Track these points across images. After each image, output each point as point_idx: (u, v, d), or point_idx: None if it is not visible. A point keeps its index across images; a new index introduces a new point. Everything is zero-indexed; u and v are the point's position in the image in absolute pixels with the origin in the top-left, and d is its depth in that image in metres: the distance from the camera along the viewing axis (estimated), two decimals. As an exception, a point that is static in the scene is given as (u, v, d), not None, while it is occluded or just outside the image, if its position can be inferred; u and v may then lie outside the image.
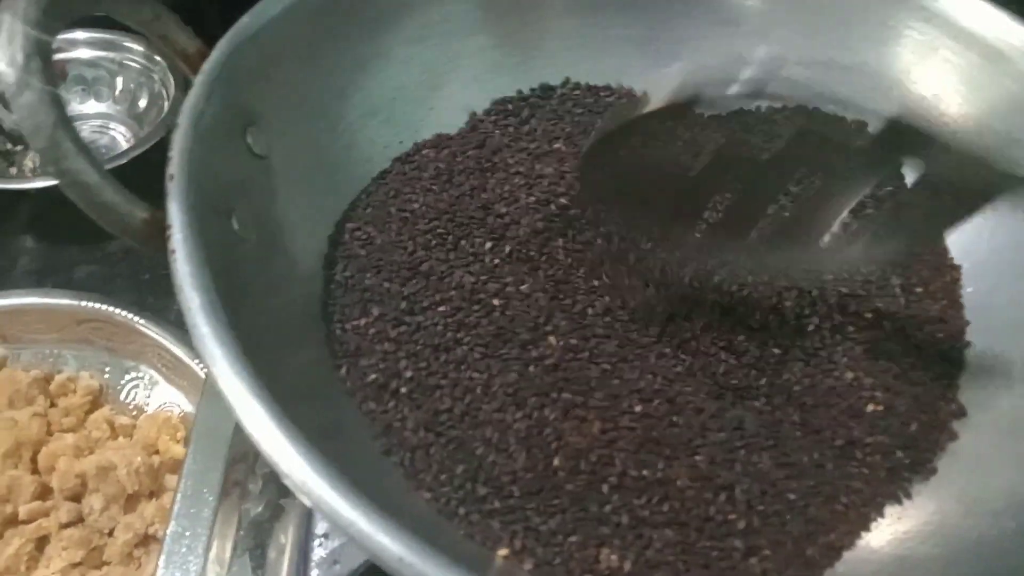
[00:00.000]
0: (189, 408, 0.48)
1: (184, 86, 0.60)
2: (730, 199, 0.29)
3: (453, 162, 0.34)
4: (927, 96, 0.33)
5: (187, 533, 0.29)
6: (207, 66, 0.26)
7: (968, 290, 0.32)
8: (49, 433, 0.47)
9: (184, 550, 0.29)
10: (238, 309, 0.22)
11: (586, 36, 0.37)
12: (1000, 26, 0.31)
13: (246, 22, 0.28)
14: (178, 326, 0.49)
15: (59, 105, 0.21)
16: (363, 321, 0.28)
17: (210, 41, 0.28)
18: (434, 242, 0.30)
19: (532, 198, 0.32)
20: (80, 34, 0.63)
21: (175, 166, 0.23)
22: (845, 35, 0.35)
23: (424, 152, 0.34)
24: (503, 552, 0.23)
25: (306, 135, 0.31)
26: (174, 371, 0.49)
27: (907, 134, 0.26)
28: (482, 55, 0.36)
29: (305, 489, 0.18)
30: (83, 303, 0.49)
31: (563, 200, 0.32)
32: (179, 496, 0.30)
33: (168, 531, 0.29)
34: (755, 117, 0.36)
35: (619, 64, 0.37)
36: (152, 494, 0.46)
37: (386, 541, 0.18)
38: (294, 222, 0.29)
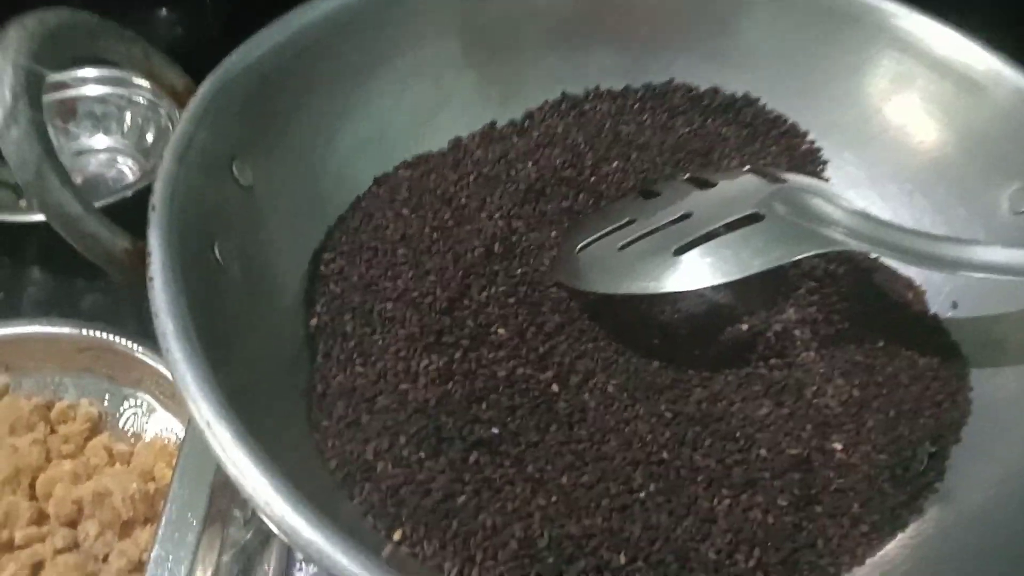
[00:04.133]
0: (186, 435, 0.49)
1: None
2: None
3: (427, 181, 0.34)
4: (906, 124, 0.34)
5: (170, 557, 0.30)
6: (193, 103, 0.27)
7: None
8: (48, 460, 0.48)
9: (166, 575, 0.29)
10: (217, 338, 0.23)
11: (570, 70, 0.38)
12: (974, 56, 0.32)
13: (233, 60, 0.29)
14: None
15: (46, 140, 0.22)
16: (346, 374, 0.28)
17: (201, 78, 0.29)
18: (402, 271, 0.31)
19: (495, 219, 0.33)
20: (90, 71, 0.65)
21: (157, 197, 0.24)
22: (825, 67, 0.35)
23: (400, 172, 0.35)
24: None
25: (293, 168, 0.32)
26: (171, 398, 0.49)
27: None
28: (470, 90, 0.37)
29: (266, 510, 0.19)
30: (84, 332, 0.50)
31: (517, 223, 0.33)
32: (164, 521, 0.30)
33: (151, 555, 0.30)
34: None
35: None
36: (147, 521, 0.46)
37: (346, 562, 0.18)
38: (277, 253, 0.30)
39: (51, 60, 0.23)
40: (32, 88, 0.22)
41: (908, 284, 0.33)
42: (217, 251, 0.26)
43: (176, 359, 0.21)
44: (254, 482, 0.19)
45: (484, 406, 0.27)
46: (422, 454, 0.25)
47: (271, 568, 0.30)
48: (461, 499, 0.25)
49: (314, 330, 0.29)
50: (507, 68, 0.37)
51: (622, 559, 0.25)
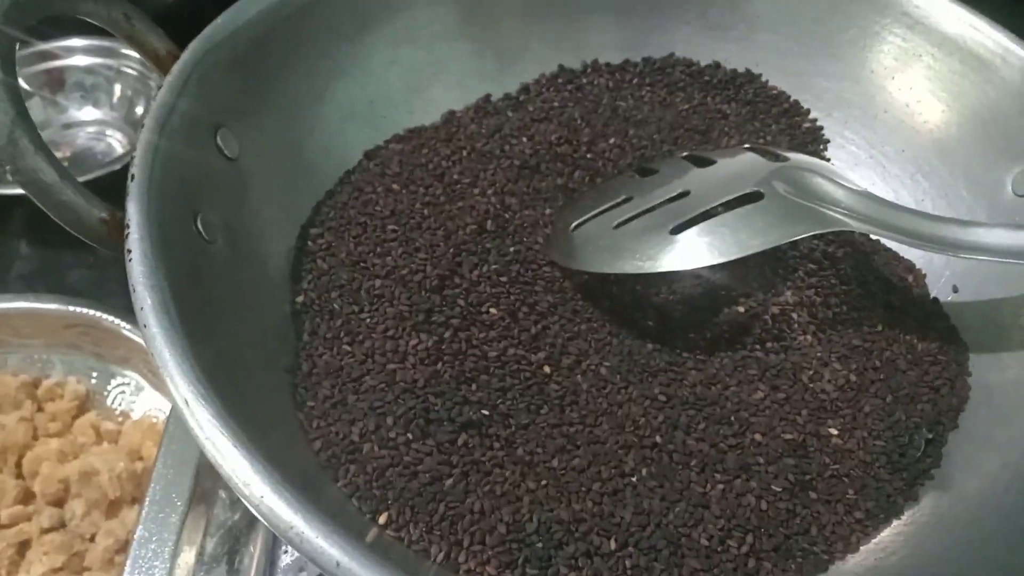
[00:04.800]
0: (174, 414, 0.48)
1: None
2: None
3: (419, 156, 0.33)
4: (910, 102, 0.33)
5: (154, 538, 0.29)
6: (177, 67, 0.26)
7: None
8: (35, 438, 0.47)
9: (150, 555, 0.28)
10: (198, 314, 0.22)
11: (568, 40, 0.37)
12: (981, 33, 0.31)
13: (220, 23, 0.28)
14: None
15: (18, 101, 0.21)
16: (333, 352, 0.27)
17: (184, 44, 0.28)
18: (392, 248, 0.30)
19: (487, 195, 0.32)
20: (78, 41, 0.63)
21: (137, 165, 0.23)
22: (829, 42, 0.34)
23: (391, 146, 0.34)
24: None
25: (280, 138, 0.31)
26: (160, 376, 0.49)
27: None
28: (464, 60, 0.36)
29: (246, 492, 0.18)
30: (71, 308, 0.49)
31: (511, 200, 0.32)
32: (148, 501, 0.30)
33: (135, 535, 0.29)
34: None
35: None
36: (134, 500, 0.46)
37: (328, 547, 0.17)
38: (263, 227, 0.29)
39: (22, 20, 0.23)
40: (2, 50, 0.21)
41: (909, 267, 0.33)
42: (200, 224, 0.25)
43: (153, 334, 0.20)
44: (233, 463, 0.18)
45: (474, 387, 0.27)
46: (409, 436, 0.25)
47: (257, 549, 0.29)
48: (449, 482, 0.24)
49: (300, 307, 0.28)
50: (504, 38, 0.36)
51: (612, 544, 0.24)
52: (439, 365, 0.27)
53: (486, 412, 0.26)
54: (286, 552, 0.29)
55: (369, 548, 0.17)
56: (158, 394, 0.49)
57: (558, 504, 0.25)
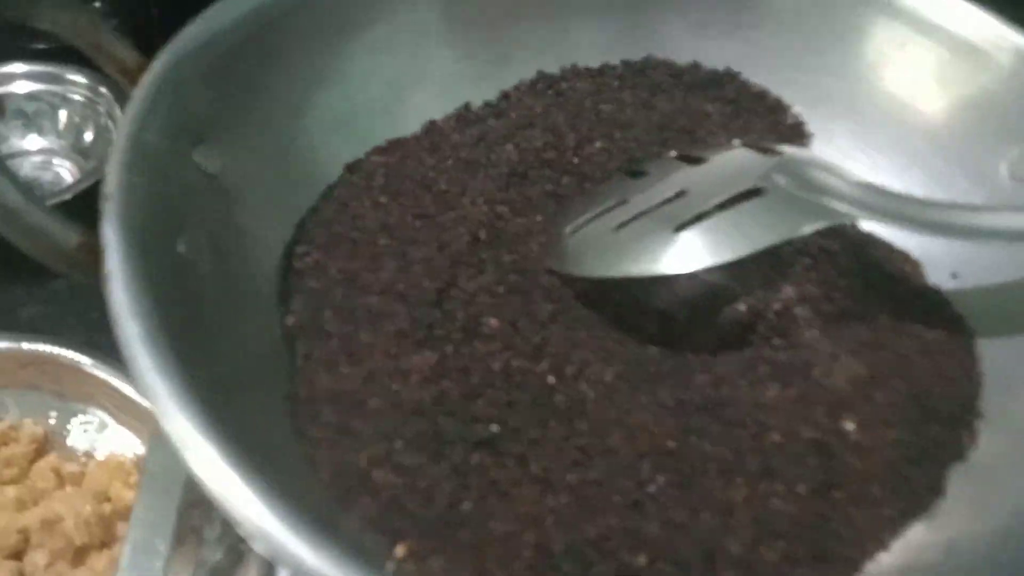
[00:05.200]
0: (143, 451, 0.46)
1: (131, 115, 0.58)
2: None
3: (403, 167, 0.32)
4: (897, 93, 0.33)
5: (139, 587, 0.27)
6: (148, 78, 0.25)
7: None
8: (-10, 486, 0.44)
9: (136, 607, 0.26)
10: (187, 343, 0.20)
11: (553, 44, 0.36)
12: (971, 19, 0.31)
13: (192, 31, 0.27)
14: (130, 365, 0.47)
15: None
16: (331, 376, 0.26)
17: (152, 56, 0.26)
18: (385, 263, 0.28)
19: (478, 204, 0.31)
20: (19, 67, 0.60)
21: (111, 184, 0.22)
22: (811, 36, 0.34)
23: (373, 159, 0.32)
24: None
25: (261, 152, 0.29)
26: (126, 412, 0.46)
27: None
28: (447, 67, 0.35)
29: (258, 532, 0.16)
30: (25, 345, 0.47)
31: (501, 208, 0.31)
32: (128, 548, 0.28)
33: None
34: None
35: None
36: (103, 544, 0.43)
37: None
38: (250, 246, 0.27)
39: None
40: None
41: (905, 257, 0.33)
42: (183, 244, 0.24)
43: (143, 367, 0.18)
44: (244, 503, 0.17)
45: (481, 403, 0.25)
46: (422, 459, 0.23)
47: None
48: (467, 506, 0.23)
49: (292, 329, 0.26)
50: (484, 44, 0.35)
51: (643, 560, 0.23)
52: (445, 382, 0.25)
53: (496, 428, 0.25)
54: (284, 589, 0.27)
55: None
56: (125, 430, 0.46)
57: (582, 521, 0.23)
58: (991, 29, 0.30)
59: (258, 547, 0.17)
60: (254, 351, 0.25)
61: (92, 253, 0.21)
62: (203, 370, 0.20)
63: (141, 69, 0.25)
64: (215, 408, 0.19)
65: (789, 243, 0.31)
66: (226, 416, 0.19)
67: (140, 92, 0.24)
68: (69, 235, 0.21)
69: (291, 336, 0.26)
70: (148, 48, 0.25)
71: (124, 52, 0.25)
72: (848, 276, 0.31)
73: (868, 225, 0.32)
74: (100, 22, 0.24)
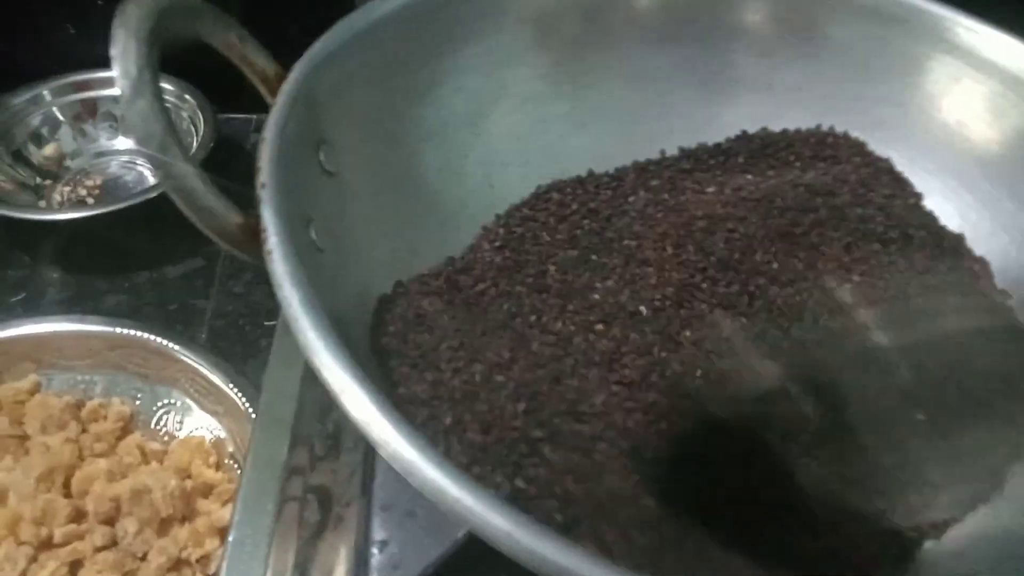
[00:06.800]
0: (222, 433, 0.49)
1: (214, 123, 0.62)
2: None
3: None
4: (951, 123, 0.35)
5: (247, 541, 0.30)
6: (287, 86, 0.28)
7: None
8: (81, 458, 0.48)
9: (246, 557, 0.29)
10: (330, 315, 0.23)
11: (626, 67, 0.39)
12: (1019, 55, 0.33)
13: (318, 48, 0.30)
14: (211, 352, 0.50)
15: (167, 114, 0.23)
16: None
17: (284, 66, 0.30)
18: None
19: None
20: (111, 72, 0.64)
21: (265, 175, 0.25)
22: (869, 66, 0.37)
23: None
24: None
25: (367, 156, 0.32)
26: (207, 397, 0.49)
27: None
28: (525, 85, 0.38)
29: (407, 467, 0.19)
30: (117, 330, 0.50)
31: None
32: (239, 505, 0.31)
33: (230, 539, 0.30)
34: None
35: (660, 97, 0.39)
36: (185, 518, 0.46)
37: (494, 518, 0.19)
38: (360, 239, 0.30)
39: (160, 39, 0.24)
40: (152, 61, 0.23)
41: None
42: (313, 232, 0.27)
43: (304, 326, 0.21)
44: (397, 444, 0.20)
45: None
46: None
47: (344, 550, 0.30)
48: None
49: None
50: (559, 65, 0.38)
51: None
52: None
53: None
54: (380, 552, 0.30)
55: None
56: (205, 414, 0.50)
57: None
58: (1040, 64, 0.33)
59: (415, 483, 0.19)
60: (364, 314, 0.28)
61: (250, 232, 0.24)
62: (337, 328, 0.23)
63: (279, 78, 0.29)
64: (355, 360, 0.21)
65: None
66: (362, 367, 0.22)
67: (281, 98, 0.27)
68: (233, 216, 0.24)
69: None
70: (286, 60, 0.29)
71: (265, 64, 0.28)
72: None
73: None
74: (248, 38, 0.28)
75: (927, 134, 0.36)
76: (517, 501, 0.24)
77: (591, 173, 0.38)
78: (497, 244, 0.35)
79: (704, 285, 0.33)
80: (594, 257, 0.34)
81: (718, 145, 0.39)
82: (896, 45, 0.36)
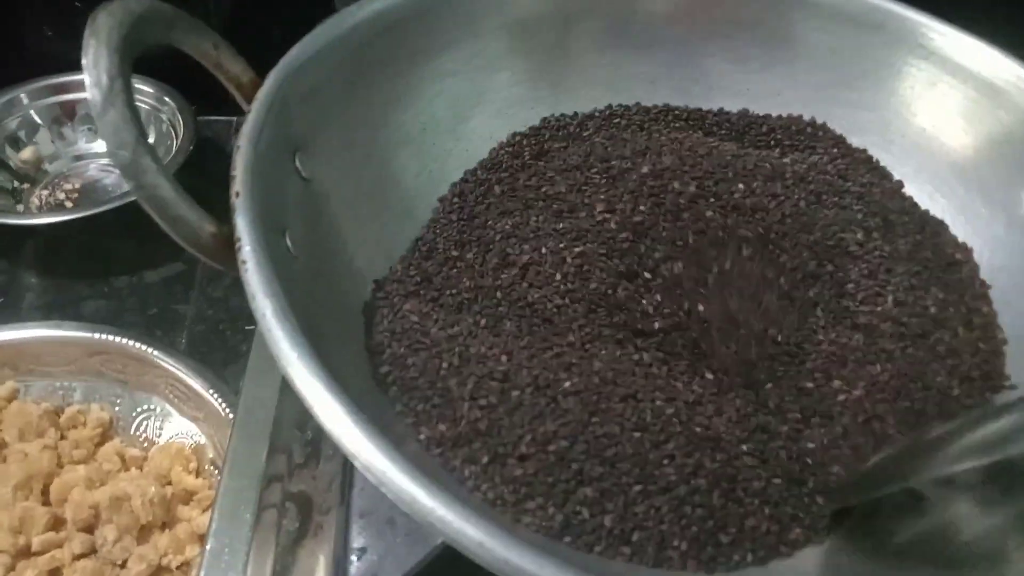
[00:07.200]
0: (203, 439, 0.48)
1: (194, 125, 0.61)
2: None
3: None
4: (926, 127, 0.36)
5: (226, 550, 0.30)
6: (262, 93, 0.28)
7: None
8: (59, 465, 0.47)
9: (224, 566, 0.29)
10: (307, 323, 0.23)
11: (604, 74, 0.39)
12: (994, 62, 0.34)
13: (294, 55, 0.30)
14: (191, 357, 0.50)
15: (139, 124, 0.23)
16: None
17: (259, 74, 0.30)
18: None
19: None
20: (91, 75, 0.64)
21: (240, 183, 0.25)
22: (845, 72, 0.37)
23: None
24: None
25: (343, 161, 0.32)
26: (187, 402, 0.49)
27: None
28: (505, 90, 0.38)
29: (380, 477, 0.19)
30: (96, 335, 0.50)
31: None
32: (216, 514, 0.30)
33: (207, 548, 0.30)
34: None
35: (635, 98, 0.39)
36: (165, 525, 0.46)
37: (467, 528, 0.19)
38: (336, 247, 0.30)
39: (133, 47, 0.24)
40: (125, 71, 0.23)
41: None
42: (288, 240, 0.27)
43: (277, 338, 0.21)
44: (373, 460, 0.20)
45: None
46: None
47: (323, 558, 0.30)
48: None
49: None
50: (538, 72, 0.38)
51: None
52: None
53: None
54: (359, 559, 0.30)
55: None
56: (185, 420, 0.49)
57: None
58: (1013, 72, 0.33)
59: (390, 494, 0.19)
60: (343, 320, 0.28)
61: (224, 242, 0.24)
62: (314, 337, 0.23)
63: (253, 85, 0.29)
64: (331, 370, 0.21)
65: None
66: (336, 372, 0.21)
67: (256, 105, 0.27)
68: (206, 226, 0.24)
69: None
70: (270, 66, 0.29)
71: (239, 70, 0.28)
72: None
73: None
74: (223, 45, 0.28)
75: (904, 139, 0.36)
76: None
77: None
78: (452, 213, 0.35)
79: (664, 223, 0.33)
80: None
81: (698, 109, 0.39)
82: (872, 50, 0.36)
